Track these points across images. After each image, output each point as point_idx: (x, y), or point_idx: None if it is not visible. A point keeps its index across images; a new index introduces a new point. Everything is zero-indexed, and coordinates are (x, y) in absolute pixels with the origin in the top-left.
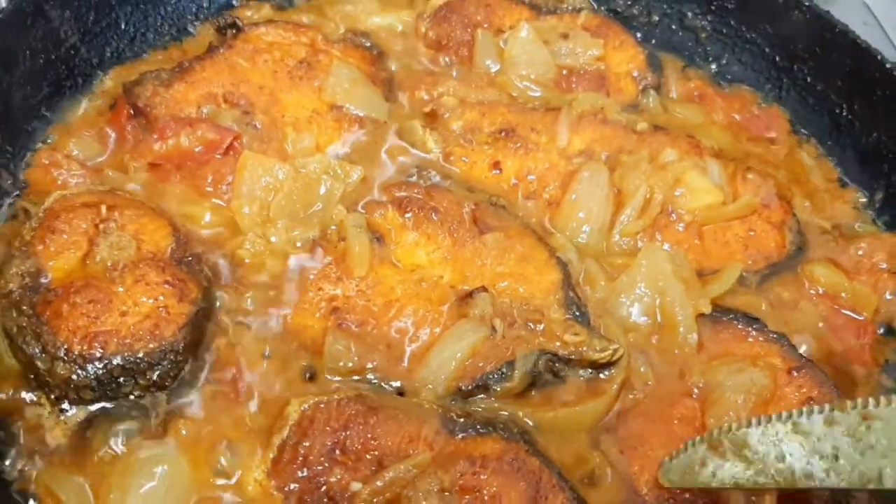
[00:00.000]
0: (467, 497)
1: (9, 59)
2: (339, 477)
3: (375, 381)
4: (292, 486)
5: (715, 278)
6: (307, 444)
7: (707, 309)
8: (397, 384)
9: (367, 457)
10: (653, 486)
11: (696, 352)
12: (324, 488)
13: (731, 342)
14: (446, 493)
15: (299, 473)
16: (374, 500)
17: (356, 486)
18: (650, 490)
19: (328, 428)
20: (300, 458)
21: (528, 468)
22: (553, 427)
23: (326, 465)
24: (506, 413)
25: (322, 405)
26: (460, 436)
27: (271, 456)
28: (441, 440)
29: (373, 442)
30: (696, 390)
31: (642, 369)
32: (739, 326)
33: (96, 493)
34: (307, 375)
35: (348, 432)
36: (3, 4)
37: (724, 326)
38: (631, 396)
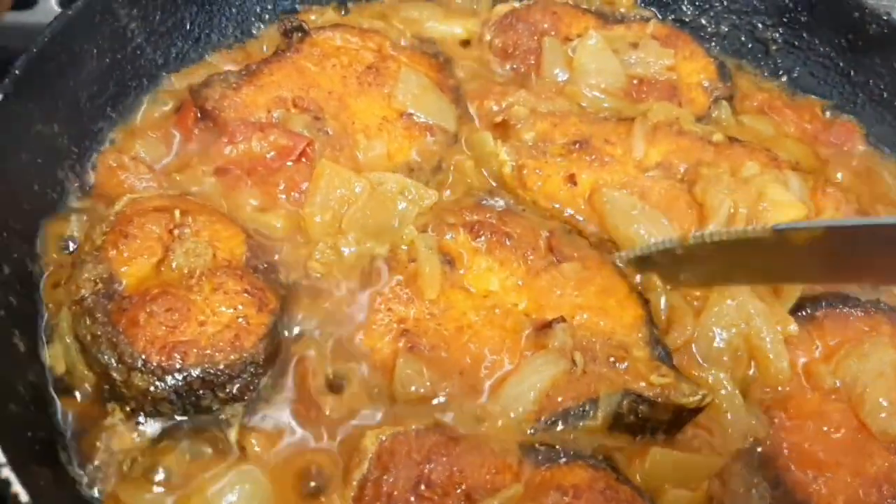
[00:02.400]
0: None
1: (77, 57)
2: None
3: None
4: None
5: (784, 289)
6: (389, 478)
7: (795, 329)
8: (473, 413)
9: (455, 490)
10: None
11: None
12: None
13: (838, 329)
14: None
15: None
16: None
17: None
18: None
19: (410, 460)
20: (384, 495)
21: (621, 497)
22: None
23: (413, 500)
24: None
25: (401, 436)
26: (545, 465)
27: (352, 494)
28: (527, 470)
29: (458, 474)
30: (833, 396)
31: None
32: (836, 310)
33: None
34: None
35: (431, 465)
36: (57, 9)
37: (823, 317)
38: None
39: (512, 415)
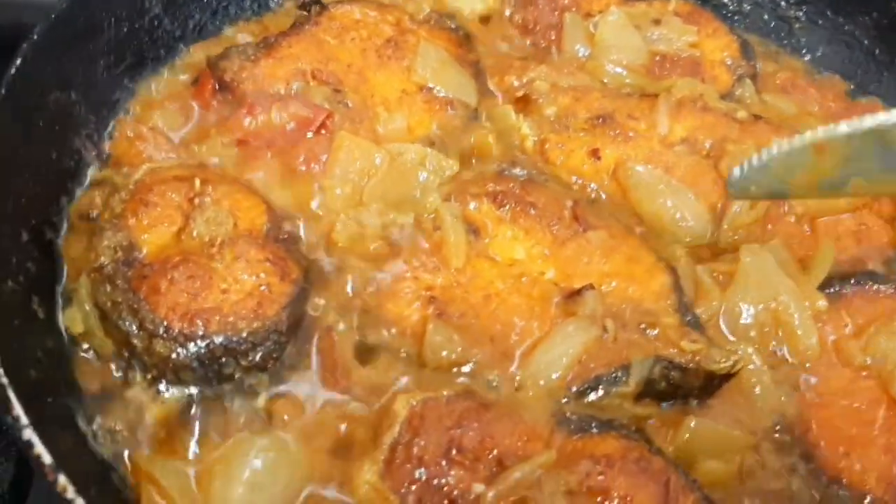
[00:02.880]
0: (598, 499)
1: (94, 25)
2: (458, 478)
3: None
4: (410, 487)
5: (812, 266)
6: (421, 442)
7: (824, 305)
8: (504, 380)
9: (487, 456)
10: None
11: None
12: (444, 490)
13: (867, 306)
14: (574, 495)
15: (415, 474)
16: (500, 503)
17: (479, 487)
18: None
19: (441, 425)
20: (415, 458)
21: (654, 468)
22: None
23: (444, 464)
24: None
25: (432, 401)
26: (578, 435)
27: (382, 457)
28: (558, 439)
29: (489, 440)
30: (863, 373)
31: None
32: (865, 288)
33: (198, 480)
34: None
35: (462, 430)
36: None
37: (852, 295)
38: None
39: (543, 381)
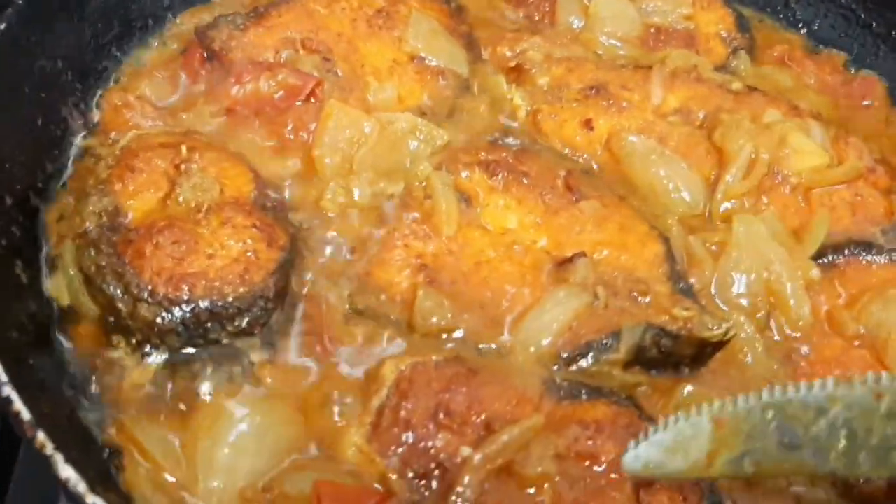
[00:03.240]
0: (586, 463)
1: None
2: (445, 441)
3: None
4: (396, 450)
5: (806, 236)
6: (409, 406)
7: (817, 275)
8: (493, 346)
9: (474, 420)
10: None
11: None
12: (431, 453)
13: (860, 277)
14: (562, 460)
15: (402, 438)
16: (487, 466)
17: (466, 450)
18: None
19: (429, 389)
20: (402, 422)
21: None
22: None
23: (431, 428)
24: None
25: (420, 366)
26: (567, 401)
27: (369, 420)
28: (548, 405)
29: (478, 405)
30: (856, 342)
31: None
32: (859, 258)
33: (183, 443)
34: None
35: (451, 394)
36: None
37: (845, 265)
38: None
39: (533, 348)
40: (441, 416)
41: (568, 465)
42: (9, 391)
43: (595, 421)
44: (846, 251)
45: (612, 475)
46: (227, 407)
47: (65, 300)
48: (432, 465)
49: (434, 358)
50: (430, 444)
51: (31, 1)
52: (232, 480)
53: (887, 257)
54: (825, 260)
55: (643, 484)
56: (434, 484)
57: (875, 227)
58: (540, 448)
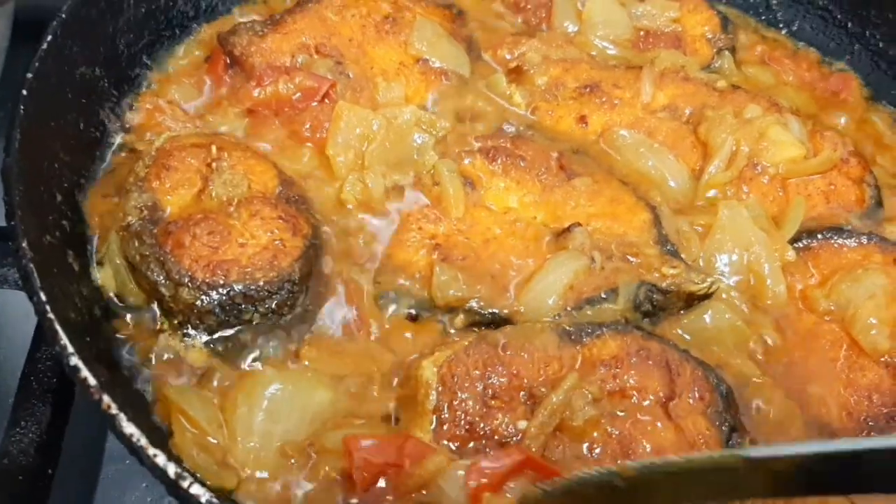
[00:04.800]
0: (619, 399)
1: (115, 5)
2: (502, 420)
3: (483, 310)
4: (462, 441)
5: (784, 221)
6: (460, 399)
7: (792, 256)
8: (505, 311)
9: (518, 394)
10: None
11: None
12: (493, 435)
13: (832, 259)
14: (599, 403)
15: (464, 429)
16: (544, 431)
17: (522, 424)
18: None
19: (471, 379)
20: (459, 416)
21: (654, 353)
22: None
23: (485, 412)
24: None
25: (454, 359)
26: (578, 344)
27: (431, 427)
28: (567, 353)
29: (516, 378)
30: (827, 318)
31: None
32: (831, 242)
33: (222, 409)
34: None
35: (491, 376)
36: None
37: (818, 248)
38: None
39: (541, 306)
40: (490, 399)
41: (605, 406)
42: (76, 360)
43: (613, 357)
44: (819, 235)
45: (644, 401)
46: (260, 375)
47: (111, 287)
48: (498, 444)
49: (463, 345)
50: (489, 427)
51: (73, 13)
52: (268, 441)
53: (857, 241)
54: (800, 244)
55: (668, 398)
56: None
57: (847, 214)
58: (579, 400)
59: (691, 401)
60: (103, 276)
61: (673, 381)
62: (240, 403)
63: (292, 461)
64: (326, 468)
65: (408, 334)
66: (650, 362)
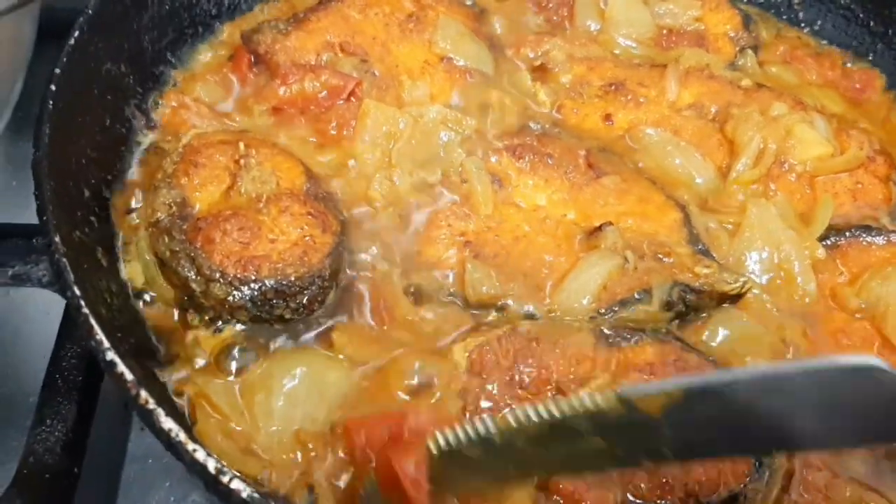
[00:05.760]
0: None
1: (140, 2)
2: None
3: (517, 308)
4: None
5: (812, 219)
6: (486, 386)
7: (822, 254)
8: (540, 311)
9: (546, 387)
10: None
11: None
12: None
13: (862, 256)
14: None
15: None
16: None
17: None
18: None
19: (500, 367)
20: (484, 401)
21: (691, 366)
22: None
23: (512, 401)
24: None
25: (485, 346)
26: (616, 347)
27: (459, 405)
28: (601, 355)
29: (545, 371)
30: (857, 315)
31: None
32: (859, 239)
33: (243, 394)
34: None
35: (521, 367)
36: None
37: (847, 246)
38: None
39: (576, 306)
40: (518, 388)
41: None
42: (112, 355)
43: (647, 363)
44: (847, 233)
45: None
46: (282, 359)
47: (139, 282)
48: None
49: (495, 334)
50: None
51: (99, 9)
52: (288, 426)
53: (885, 238)
54: (828, 241)
55: None
56: None
57: (874, 212)
58: None
59: None
60: (131, 271)
61: None
62: (260, 387)
63: (310, 445)
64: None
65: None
66: (686, 373)
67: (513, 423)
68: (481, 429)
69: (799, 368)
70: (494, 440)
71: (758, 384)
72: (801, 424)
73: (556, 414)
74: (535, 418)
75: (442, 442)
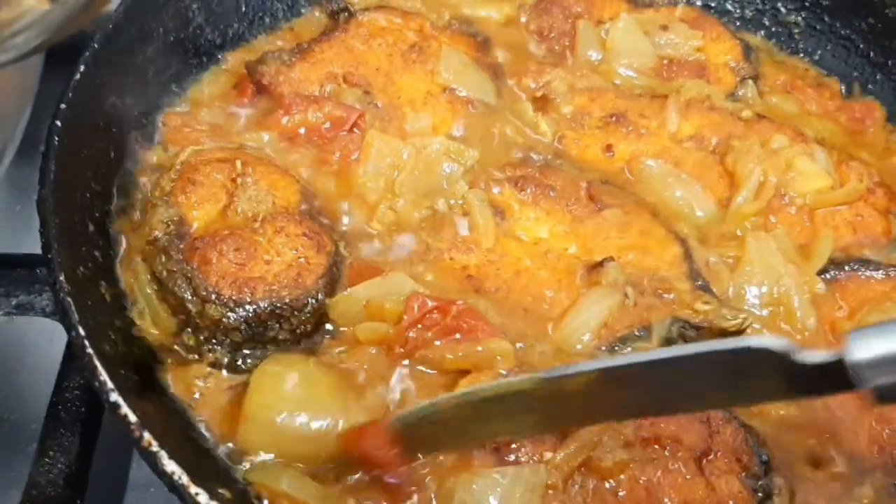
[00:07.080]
0: (654, 447)
1: (145, 35)
2: (528, 451)
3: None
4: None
5: (812, 253)
6: None
7: (822, 289)
8: (541, 347)
9: None
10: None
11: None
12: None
13: (860, 291)
14: (631, 447)
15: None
16: (569, 464)
17: (548, 454)
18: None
19: None
20: None
21: None
22: None
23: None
24: None
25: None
26: None
27: None
28: None
29: None
30: None
31: None
32: (858, 274)
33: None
34: None
35: None
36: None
37: (846, 280)
38: None
39: (579, 346)
40: None
41: (637, 452)
42: (115, 397)
43: None
44: (846, 267)
45: (678, 453)
46: (276, 361)
47: (141, 312)
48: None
49: (502, 372)
50: (512, 458)
51: (105, 43)
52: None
53: (884, 273)
54: (828, 275)
55: (703, 454)
56: None
57: (874, 245)
58: (611, 441)
59: (727, 461)
60: (130, 293)
61: (711, 438)
62: (253, 390)
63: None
64: None
65: None
66: (689, 415)
67: (457, 401)
68: (430, 407)
69: (698, 349)
70: (443, 415)
71: (666, 362)
72: (698, 391)
73: (479, 395)
74: (466, 398)
75: (403, 417)
